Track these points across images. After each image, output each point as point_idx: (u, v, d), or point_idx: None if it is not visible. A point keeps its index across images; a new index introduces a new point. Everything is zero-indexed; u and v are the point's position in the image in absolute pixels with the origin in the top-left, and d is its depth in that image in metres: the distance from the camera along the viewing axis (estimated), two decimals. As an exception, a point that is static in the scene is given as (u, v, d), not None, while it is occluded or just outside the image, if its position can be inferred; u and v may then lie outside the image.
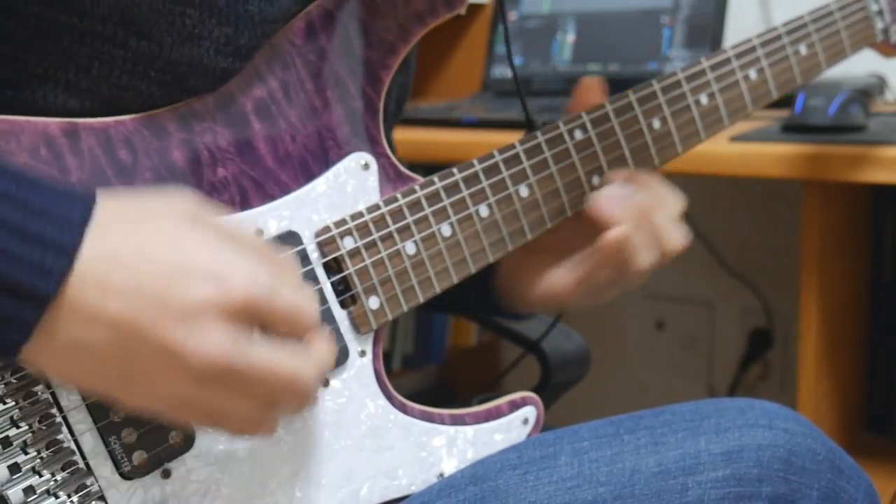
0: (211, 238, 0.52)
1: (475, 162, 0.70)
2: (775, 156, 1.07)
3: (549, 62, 1.48)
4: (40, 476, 0.54)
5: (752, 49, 0.82)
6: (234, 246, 0.53)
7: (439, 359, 1.82)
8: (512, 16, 1.53)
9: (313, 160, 0.65)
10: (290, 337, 0.54)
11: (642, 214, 0.71)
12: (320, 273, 0.64)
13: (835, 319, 1.19)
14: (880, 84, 1.38)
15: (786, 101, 1.31)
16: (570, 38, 1.47)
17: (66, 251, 0.48)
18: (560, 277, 0.75)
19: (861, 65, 1.53)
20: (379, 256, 0.65)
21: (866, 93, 1.27)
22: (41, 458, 0.54)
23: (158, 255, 0.50)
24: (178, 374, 0.50)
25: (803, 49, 0.85)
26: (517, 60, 1.51)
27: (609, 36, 1.44)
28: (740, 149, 1.09)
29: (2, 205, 0.48)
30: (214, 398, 0.52)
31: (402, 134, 1.31)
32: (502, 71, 1.53)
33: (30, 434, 0.54)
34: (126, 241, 0.50)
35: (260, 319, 0.52)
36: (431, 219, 0.67)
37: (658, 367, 1.84)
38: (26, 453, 0.53)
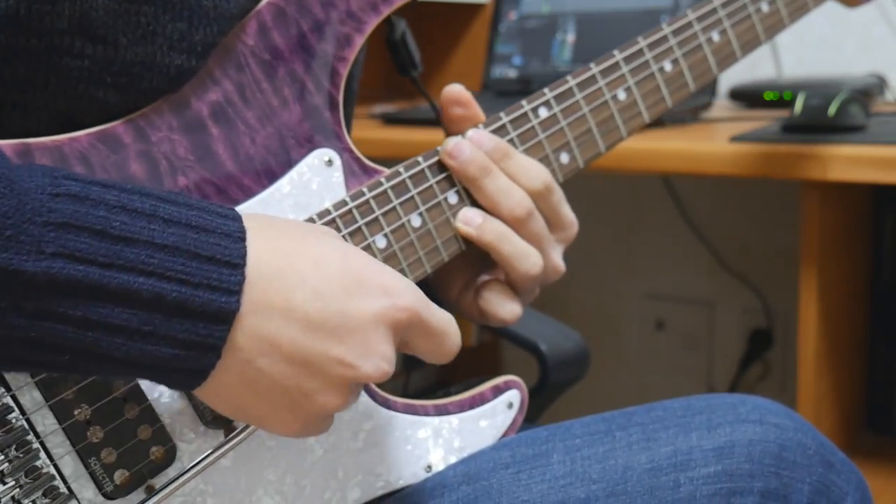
0: (365, 254, 0.55)
1: (440, 149, 0.69)
2: (775, 156, 1.07)
3: (549, 62, 1.48)
4: None
5: (714, 11, 0.81)
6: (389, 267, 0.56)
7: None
8: (512, 16, 1.53)
9: (275, 161, 0.64)
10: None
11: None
12: None
13: (835, 319, 1.19)
14: (880, 84, 1.38)
15: (786, 101, 1.31)
16: (570, 38, 1.47)
17: (238, 264, 0.50)
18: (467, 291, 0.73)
19: (861, 65, 1.53)
20: None
21: (866, 93, 1.27)
22: (21, 487, 0.53)
23: (333, 269, 0.52)
24: (351, 386, 0.53)
25: (765, 6, 0.85)
26: (517, 60, 1.51)
27: (609, 36, 1.44)
28: (740, 149, 1.09)
29: (172, 230, 0.49)
30: (349, 400, 0.54)
31: (402, 134, 1.31)
32: (502, 71, 1.53)
33: (7, 463, 0.53)
34: (299, 253, 0.52)
35: (412, 334, 0.55)
36: (400, 210, 0.67)
37: (658, 367, 1.84)
38: (4, 483, 0.52)
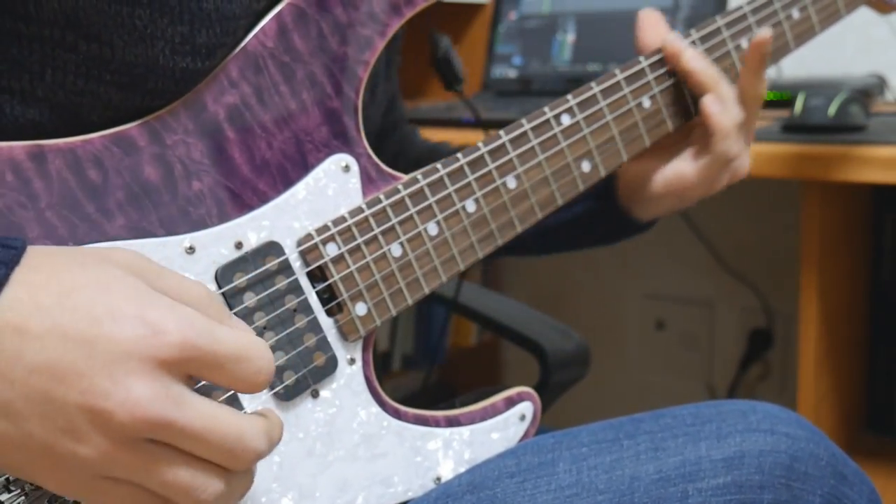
0: (142, 287, 0.48)
1: (459, 156, 0.68)
2: (775, 156, 1.07)
3: (549, 62, 1.48)
4: None
5: (743, 17, 0.80)
6: (170, 295, 0.49)
7: (439, 359, 1.82)
8: (512, 16, 1.53)
9: (292, 166, 0.63)
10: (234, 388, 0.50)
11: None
12: (304, 282, 0.62)
13: (835, 319, 1.19)
14: (880, 84, 1.38)
15: (786, 101, 1.31)
16: (570, 38, 1.47)
17: None
18: (681, 165, 0.79)
19: (861, 65, 1.53)
20: (364, 261, 0.63)
21: (866, 93, 1.27)
22: (27, 495, 0.52)
23: (82, 300, 0.46)
24: (105, 434, 0.45)
25: (796, 13, 0.83)
26: (517, 60, 1.51)
27: (609, 36, 1.44)
28: (740, 149, 1.09)
29: None
30: (148, 465, 0.46)
31: (402, 134, 1.31)
32: (502, 71, 1.53)
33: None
34: (47, 286, 0.46)
35: (198, 369, 0.48)
36: (416, 218, 0.65)
37: (658, 367, 1.84)
38: (10, 490, 0.52)
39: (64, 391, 0.45)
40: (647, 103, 0.75)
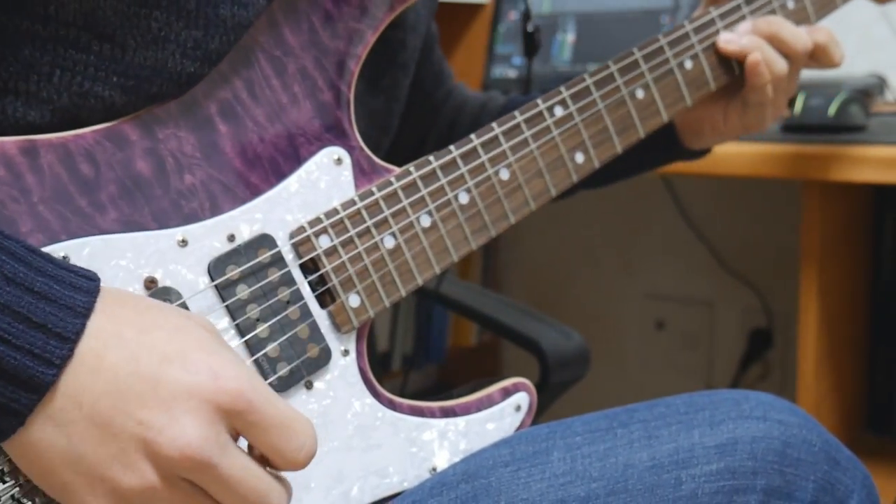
0: (213, 339, 0.52)
1: (452, 148, 0.68)
2: (775, 156, 1.07)
3: (549, 62, 1.48)
4: None
5: (738, 7, 0.80)
6: (237, 356, 0.52)
7: (439, 359, 1.82)
8: (512, 16, 1.53)
9: (284, 159, 0.63)
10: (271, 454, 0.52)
11: (764, 37, 0.80)
12: (297, 274, 0.62)
13: (835, 319, 1.19)
14: (880, 84, 1.38)
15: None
16: (570, 38, 1.47)
17: (70, 338, 0.48)
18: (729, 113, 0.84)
19: (861, 65, 1.53)
20: (356, 252, 0.64)
21: (866, 93, 1.27)
22: (21, 486, 0.52)
23: (159, 339, 0.50)
24: (151, 465, 0.48)
25: (791, 3, 0.84)
26: (516, 61, 1.51)
27: (609, 36, 1.44)
28: (740, 149, 1.09)
29: (9, 289, 0.47)
30: (180, 499, 0.50)
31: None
32: (502, 71, 1.53)
33: (7, 463, 0.52)
34: (132, 321, 0.50)
35: (246, 426, 0.50)
36: (409, 210, 0.66)
37: (658, 367, 1.84)
38: (4, 482, 0.52)
39: (123, 420, 0.48)
40: (640, 93, 0.75)
